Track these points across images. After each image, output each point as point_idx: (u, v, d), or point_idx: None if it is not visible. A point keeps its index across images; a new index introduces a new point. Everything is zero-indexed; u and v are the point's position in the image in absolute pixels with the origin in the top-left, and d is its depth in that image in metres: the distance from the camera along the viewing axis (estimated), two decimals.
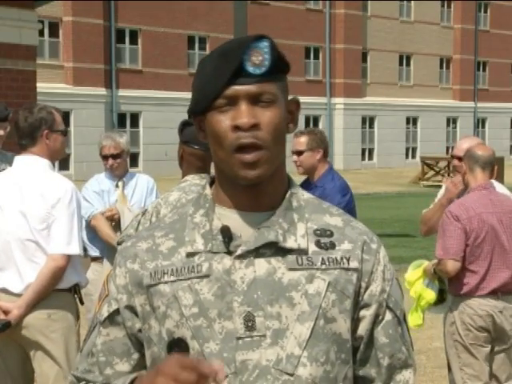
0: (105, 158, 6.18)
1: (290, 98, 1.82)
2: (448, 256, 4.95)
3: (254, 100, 1.71)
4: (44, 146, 4.39)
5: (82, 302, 4.50)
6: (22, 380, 4.42)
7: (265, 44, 1.72)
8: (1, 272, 4.32)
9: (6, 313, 4.22)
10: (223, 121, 1.72)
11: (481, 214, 4.96)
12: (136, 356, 1.82)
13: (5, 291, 4.30)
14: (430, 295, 5.20)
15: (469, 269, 4.98)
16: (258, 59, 1.72)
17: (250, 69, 1.71)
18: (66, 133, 4.57)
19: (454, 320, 5.09)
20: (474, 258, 4.97)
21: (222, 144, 1.72)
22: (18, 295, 4.27)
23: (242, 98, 1.71)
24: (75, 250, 4.34)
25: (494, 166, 5.10)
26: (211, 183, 1.85)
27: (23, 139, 4.40)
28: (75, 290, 4.43)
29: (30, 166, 4.36)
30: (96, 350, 1.83)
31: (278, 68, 1.75)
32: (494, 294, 5.00)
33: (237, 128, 1.70)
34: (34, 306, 4.26)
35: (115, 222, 6.05)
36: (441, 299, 5.25)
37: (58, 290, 4.33)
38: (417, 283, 5.25)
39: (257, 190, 1.76)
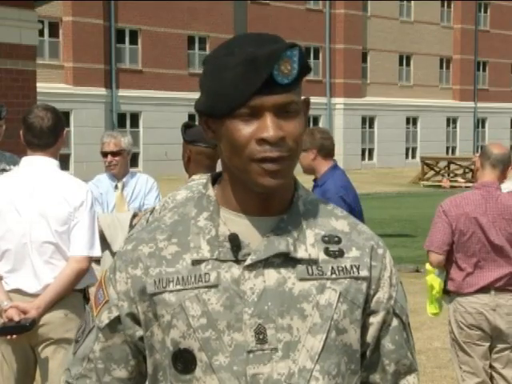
0: (104, 154, 6.18)
1: None
2: (431, 248, 5.08)
3: (280, 110, 1.64)
4: (58, 146, 4.38)
5: (88, 302, 4.50)
6: (25, 381, 4.42)
7: (295, 53, 1.64)
8: (14, 273, 4.27)
9: (24, 313, 4.18)
10: (244, 130, 1.64)
11: (469, 212, 4.98)
12: (133, 362, 1.78)
13: (19, 292, 4.26)
14: (438, 285, 5.25)
15: (456, 265, 5.07)
16: (287, 68, 1.63)
17: (279, 78, 1.63)
18: None
19: (450, 319, 5.18)
20: (460, 255, 5.04)
21: (241, 153, 1.65)
22: (33, 295, 4.24)
23: (268, 109, 1.63)
24: (97, 252, 4.35)
25: (508, 167, 5.06)
26: (213, 182, 1.78)
27: (45, 139, 4.30)
28: (85, 289, 4.44)
29: (44, 166, 4.31)
30: (94, 356, 1.78)
31: (303, 75, 1.67)
32: (485, 291, 5.03)
33: (263, 141, 1.63)
34: (51, 307, 4.23)
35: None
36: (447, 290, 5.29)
37: (73, 290, 4.32)
38: (432, 273, 5.32)
39: (268, 195, 1.70)
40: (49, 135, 4.29)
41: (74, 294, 4.34)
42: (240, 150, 1.64)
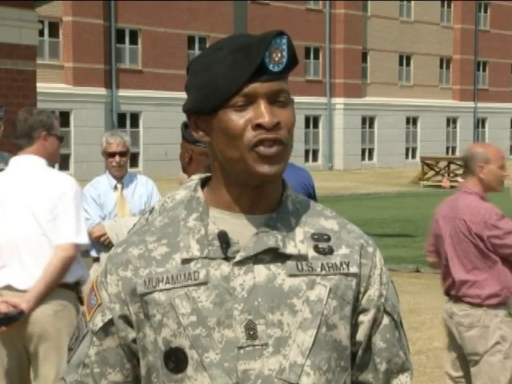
0: (111, 155, 6.13)
1: None
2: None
3: (272, 99, 1.66)
4: (41, 146, 4.46)
5: (82, 303, 4.50)
6: (19, 380, 4.42)
7: (283, 41, 1.66)
8: (4, 269, 4.31)
9: (14, 308, 4.21)
10: (239, 119, 1.65)
11: (437, 216, 4.90)
12: (128, 366, 1.77)
13: (9, 288, 4.29)
14: None
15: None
16: (278, 56, 1.66)
17: (270, 66, 1.65)
18: (61, 139, 4.64)
19: None
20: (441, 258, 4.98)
21: (237, 143, 1.65)
22: (24, 292, 4.26)
23: (262, 96, 1.65)
24: (84, 239, 4.39)
25: (469, 164, 4.78)
26: (202, 184, 1.79)
27: (20, 139, 4.46)
28: (77, 289, 4.45)
29: (29, 164, 4.41)
30: (90, 361, 1.77)
31: (292, 65, 1.69)
32: (448, 296, 4.87)
33: (259, 127, 1.64)
34: (42, 300, 4.26)
35: (107, 242, 5.97)
36: None
37: (63, 287, 4.34)
38: None
39: (259, 191, 1.71)
40: (23, 136, 4.45)
41: (64, 291, 4.36)
42: (236, 139, 1.65)
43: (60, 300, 4.33)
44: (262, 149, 1.65)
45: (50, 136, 4.48)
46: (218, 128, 1.68)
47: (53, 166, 4.64)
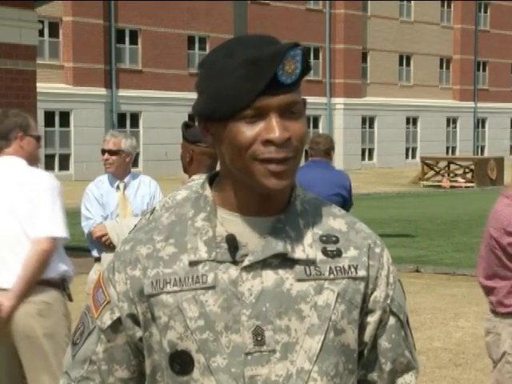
0: (103, 152, 6.21)
1: None
2: None
3: (284, 111, 1.63)
4: (18, 147, 4.51)
5: (70, 299, 4.50)
6: (8, 380, 4.42)
7: (298, 52, 1.62)
8: None
9: None
10: (248, 132, 1.62)
11: None
12: (135, 362, 1.77)
13: None
14: None
15: None
16: (291, 68, 1.62)
17: (283, 78, 1.62)
18: (39, 139, 4.67)
19: None
20: None
21: (243, 154, 1.63)
22: (7, 290, 4.26)
23: (273, 110, 1.62)
24: (61, 232, 4.33)
25: None
26: (210, 182, 1.77)
27: None
28: (64, 286, 4.44)
29: (8, 165, 4.46)
30: (97, 358, 1.77)
31: (304, 74, 1.66)
32: None
33: (268, 142, 1.62)
34: (25, 297, 4.25)
35: (108, 242, 5.99)
36: None
37: (47, 285, 4.32)
38: None
39: (269, 195, 1.69)
40: (1, 138, 4.51)
41: (48, 289, 4.34)
42: (243, 152, 1.63)
43: (43, 299, 4.31)
44: (268, 166, 1.63)
45: (26, 136, 4.53)
46: (227, 138, 1.65)
47: (36, 167, 4.66)
